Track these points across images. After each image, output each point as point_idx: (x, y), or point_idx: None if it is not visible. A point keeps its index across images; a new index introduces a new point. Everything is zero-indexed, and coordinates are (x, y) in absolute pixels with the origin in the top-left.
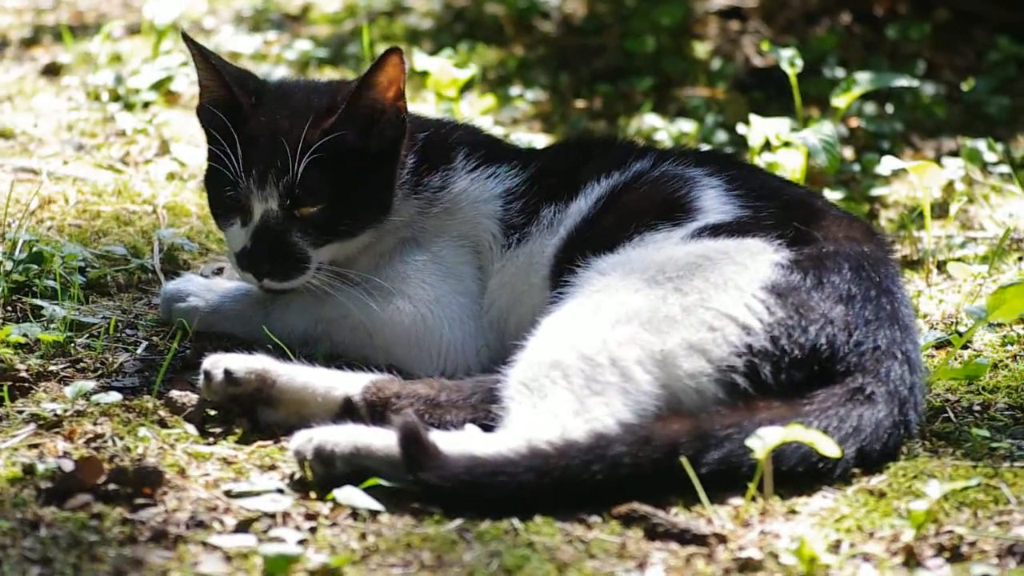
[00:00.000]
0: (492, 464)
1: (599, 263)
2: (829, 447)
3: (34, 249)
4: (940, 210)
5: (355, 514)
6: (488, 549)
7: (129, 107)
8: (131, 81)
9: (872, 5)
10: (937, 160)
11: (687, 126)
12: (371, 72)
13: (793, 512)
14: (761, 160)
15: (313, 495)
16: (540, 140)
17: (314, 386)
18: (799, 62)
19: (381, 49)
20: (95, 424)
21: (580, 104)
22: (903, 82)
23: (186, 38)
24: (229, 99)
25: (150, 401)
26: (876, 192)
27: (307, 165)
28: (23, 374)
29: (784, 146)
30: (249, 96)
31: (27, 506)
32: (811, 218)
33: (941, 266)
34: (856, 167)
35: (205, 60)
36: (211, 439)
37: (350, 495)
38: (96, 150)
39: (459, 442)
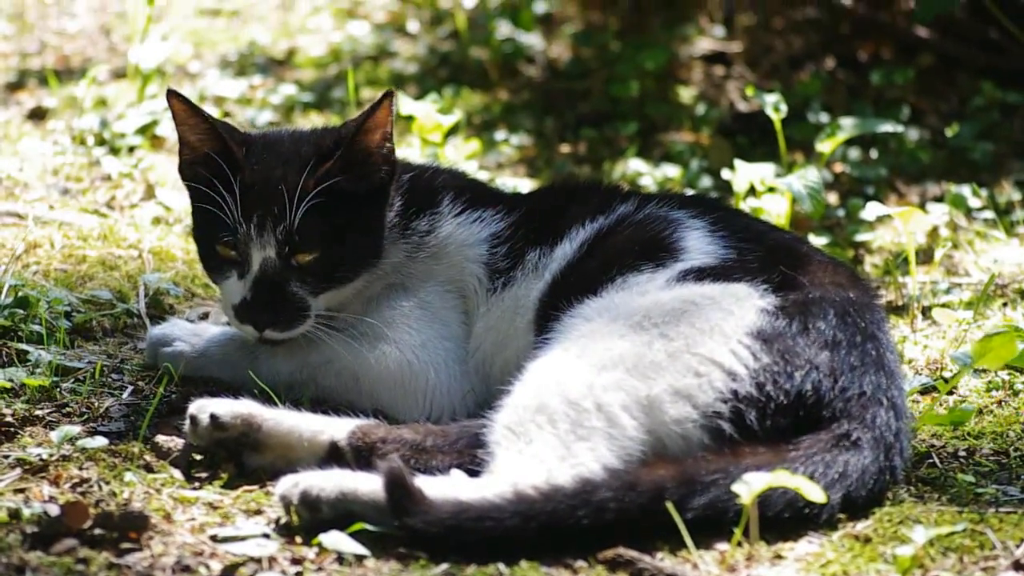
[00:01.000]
0: (478, 509)
1: (584, 307)
2: (815, 493)
3: (20, 294)
4: (925, 256)
5: (341, 559)
6: None
7: (115, 151)
8: (116, 125)
9: (856, 50)
10: (922, 206)
11: (672, 171)
12: (366, 117)
13: (779, 557)
14: (746, 205)
15: (299, 540)
16: (525, 185)
17: (300, 431)
18: (783, 107)
19: (366, 94)
20: (81, 469)
21: (565, 149)
22: (887, 127)
23: (171, 93)
24: (221, 149)
25: (136, 446)
26: (861, 237)
27: (304, 212)
28: (9, 419)
29: (769, 191)
30: (240, 146)
31: (13, 551)
32: (796, 263)
33: (926, 312)
34: (841, 212)
35: (195, 113)
36: (197, 484)
37: (336, 540)
38: (82, 194)
39: (445, 487)
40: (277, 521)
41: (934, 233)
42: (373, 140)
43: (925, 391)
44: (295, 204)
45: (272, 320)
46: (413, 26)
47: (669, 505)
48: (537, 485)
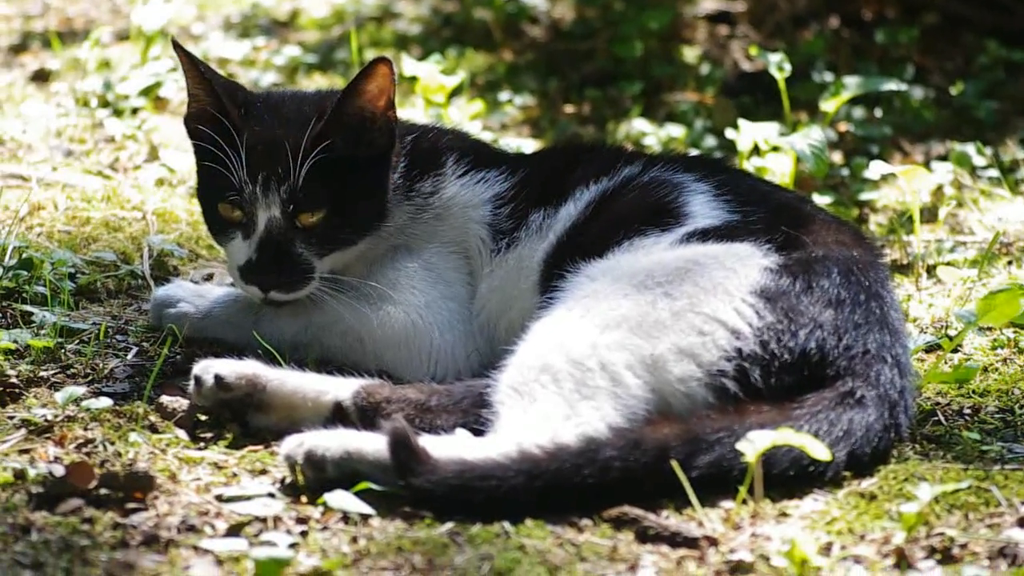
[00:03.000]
0: (482, 468)
1: (588, 268)
2: (820, 450)
3: (24, 255)
4: (929, 214)
5: (346, 518)
6: (479, 552)
7: (118, 113)
8: (120, 87)
9: (860, 9)
10: (926, 164)
11: (676, 131)
12: (358, 80)
13: (784, 515)
14: (750, 165)
15: (304, 499)
16: (529, 145)
17: (304, 391)
18: (787, 66)
19: (370, 55)
20: (86, 429)
21: (569, 109)
22: (892, 86)
23: (176, 46)
24: (226, 108)
25: (141, 406)
26: (865, 196)
27: (308, 171)
28: (13, 380)
29: (773, 151)
30: (238, 107)
31: (18, 511)
32: (800, 223)
33: (931, 270)
34: (845, 171)
35: (194, 69)
36: (202, 444)
37: (341, 499)
38: (85, 156)
39: (449, 447)
40: (282, 481)
41: (938, 192)
42: (373, 105)
43: (930, 349)
44: (299, 162)
45: (277, 281)
46: None
47: (674, 464)
48: (542, 444)
